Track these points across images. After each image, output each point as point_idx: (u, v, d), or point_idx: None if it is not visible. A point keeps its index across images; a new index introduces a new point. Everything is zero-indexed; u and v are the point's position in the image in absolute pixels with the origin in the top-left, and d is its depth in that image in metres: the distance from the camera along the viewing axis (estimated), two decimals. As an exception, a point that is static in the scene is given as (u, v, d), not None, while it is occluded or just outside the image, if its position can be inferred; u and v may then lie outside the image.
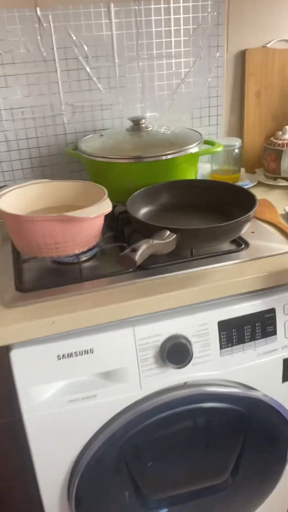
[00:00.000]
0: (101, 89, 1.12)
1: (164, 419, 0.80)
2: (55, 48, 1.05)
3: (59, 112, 1.11)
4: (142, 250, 0.63)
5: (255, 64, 1.19)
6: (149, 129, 1.03)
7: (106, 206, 0.75)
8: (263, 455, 0.91)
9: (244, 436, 0.87)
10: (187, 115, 1.21)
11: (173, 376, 0.80)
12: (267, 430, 0.89)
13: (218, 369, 0.82)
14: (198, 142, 0.97)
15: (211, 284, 0.77)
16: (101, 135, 1.04)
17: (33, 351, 0.73)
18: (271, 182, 1.19)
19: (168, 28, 1.10)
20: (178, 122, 1.21)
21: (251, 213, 0.79)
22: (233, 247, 0.86)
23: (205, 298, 0.78)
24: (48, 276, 0.81)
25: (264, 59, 1.19)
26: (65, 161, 1.16)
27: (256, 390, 0.86)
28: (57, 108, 1.11)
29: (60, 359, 0.74)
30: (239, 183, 1.18)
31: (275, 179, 1.19)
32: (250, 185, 1.17)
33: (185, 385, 0.81)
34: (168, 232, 0.72)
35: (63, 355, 0.74)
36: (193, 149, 0.96)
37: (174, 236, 0.72)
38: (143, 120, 1.03)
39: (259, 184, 1.20)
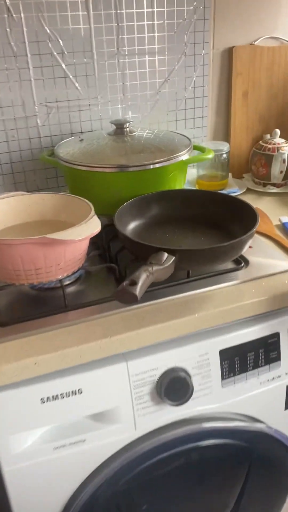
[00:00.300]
0: (78, 88, 1.02)
1: (160, 461, 0.72)
2: (26, 42, 0.94)
3: (32, 113, 1.00)
4: (143, 281, 0.54)
5: (243, 63, 1.11)
6: (133, 133, 0.93)
7: (94, 226, 0.65)
8: (265, 488, 0.85)
9: (246, 470, 0.80)
10: (171, 116, 1.12)
11: (171, 413, 0.72)
12: (270, 462, 0.82)
13: (219, 401, 0.75)
14: (188, 149, 0.89)
15: (212, 311, 0.69)
16: (81, 140, 0.94)
17: (12, 396, 0.63)
18: (260, 189, 1.13)
19: (151, 22, 1.01)
20: (161, 124, 1.12)
21: (254, 230, 0.71)
22: (232, 265, 0.78)
23: (206, 326, 0.70)
24: (28, 306, 0.71)
25: (252, 57, 1.12)
26: (39, 167, 1.05)
27: (259, 421, 0.79)
28: (29, 109, 1.00)
29: (44, 402, 0.65)
30: (227, 190, 1.10)
31: (264, 185, 1.13)
32: (239, 192, 1.10)
33: (183, 422, 0.73)
34: (166, 255, 0.64)
35: (47, 398, 0.65)
36: (183, 156, 0.87)
37: (172, 259, 0.64)
38: (127, 124, 0.93)
39: (248, 190, 1.13)
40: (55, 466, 0.68)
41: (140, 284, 0.53)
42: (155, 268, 0.59)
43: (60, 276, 0.68)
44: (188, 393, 0.70)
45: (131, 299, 0.52)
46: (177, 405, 0.70)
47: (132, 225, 0.83)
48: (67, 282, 0.73)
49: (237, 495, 0.82)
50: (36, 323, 0.66)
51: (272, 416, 0.80)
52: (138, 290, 0.53)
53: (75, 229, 0.64)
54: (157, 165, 0.84)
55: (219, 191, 0.88)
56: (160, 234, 0.81)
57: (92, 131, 1.06)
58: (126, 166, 0.84)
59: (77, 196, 0.77)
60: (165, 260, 0.62)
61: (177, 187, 0.92)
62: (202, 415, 0.74)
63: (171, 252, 0.65)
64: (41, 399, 0.64)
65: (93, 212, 0.70)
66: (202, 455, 0.75)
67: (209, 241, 0.79)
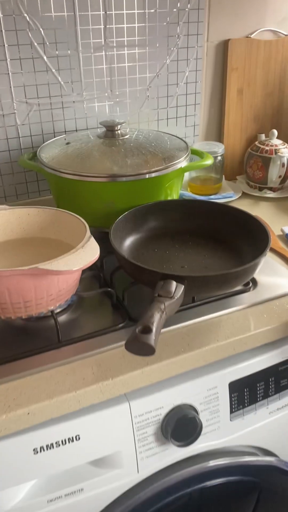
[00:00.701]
0: (62, 83, 0.92)
1: (164, 505, 0.66)
2: (3, 31, 0.83)
3: (10, 111, 0.90)
4: (157, 325, 0.47)
5: (238, 57, 1.03)
6: (125, 136, 0.85)
7: (92, 251, 0.57)
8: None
9: (254, 503, 0.75)
10: (162, 114, 1.04)
11: (176, 453, 0.65)
12: (280, 494, 0.77)
13: (227, 435, 0.69)
14: (186, 155, 0.81)
15: (222, 342, 0.62)
16: (67, 143, 0.84)
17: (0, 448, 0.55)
18: (256, 193, 1.06)
19: (142, 11, 0.92)
20: (151, 123, 1.03)
21: (267, 250, 0.65)
22: (239, 286, 0.71)
23: (216, 359, 0.63)
24: (16, 342, 0.62)
25: (248, 51, 1.04)
26: (18, 171, 0.95)
27: (269, 453, 0.73)
28: (7, 106, 0.89)
29: (37, 453, 0.57)
30: (221, 194, 1.03)
31: (260, 189, 1.06)
32: (234, 197, 1.03)
33: (189, 460, 0.67)
34: (175, 284, 0.56)
35: (40, 448, 0.57)
36: (181, 163, 0.79)
37: (182, 289, 0.56)
38: (119, 127, 0.84)
39: (243, 195, 1.06)
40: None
41: (154, 329, 0.46)
42: (167, 303, 0.51)
43: (51, 307, 0.60)
44: (196, 432, 0.63)
45: (147, 352, 0.45)
46: (184, 445, 0.63)
47: (128, 241, 0.74)
48: (58, 310, 0.65)
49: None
50: (26, 363, 0.58)
51: (282, 446, 0.75)
52: (154, 339, 0.45)
53: (71, 257, 0.55)
54: (153, 174, 0.76)
55: (224, 203, 0.80)
56: (160, 252, 0.73)
57: (76, 130, 0.97)
58: (119, 175, 0.75)
59: (68, 212, 0.68)
60: (175, 291, 0.55)
61: (174, 196, 0.84)
62: (209, 452, 0.68)
63: (179, 279, 0.57)
64: (34, 449, 0.56)
65: (88, 232, 0.62)
66: (209, 494, 0.69)
67: (214, 259, 0.72)
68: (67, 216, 0.68)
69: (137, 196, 0.78)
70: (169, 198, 0.82)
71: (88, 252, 0.57)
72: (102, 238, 0.69)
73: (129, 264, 0.63)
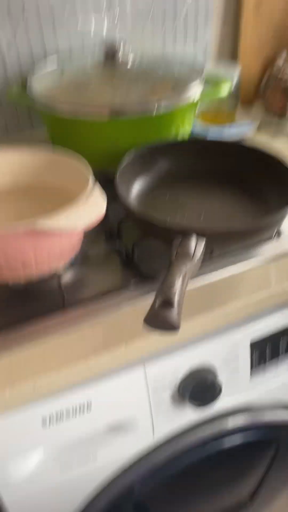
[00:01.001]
0: (52, -6, 0.77)
1: (181, 468, 0.64)
2: None
3: (-7, 31, 0.77)
4: (179, 296, 0.40)
5: None
6: (128, 61, 0.73)
7: (98, 203, 0.49)
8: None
9: (270, 459, 0.74)
10: (168, 30, 0.90)
11: (194, 414, 0.62)
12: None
13: (246, 393, 0.65)
14: (199, 83, 0.69)
15: (245, 300, 0.56)
16: (62, 72, 0.73)
17: (6, 420, 0.51)
18: (275, 123, 0.95)
19: None
20: (156, 40, 0.90)
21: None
22: (261, 236, 0.64)
23: (238, 318, 0.57)
24: (12, 305, 0.55)
25: None
26: (6, 102, 0.84)
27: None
28: (-11, 26, 0.76)
29: (45, 423, 0.53)
30: (237, 124, 0.92)
31: (280, 116, 0.95)
32: (251, 127, 0.92)
33: (207, 421, 0.63)
34: (194, 241, 0.48)
35: (49, 419, 0.53)
36: (195, 94, 0.68)
37: (203, 245, 0.49)
38: (121, 50, 0.72)
39: (261, 125, 0.95)
40: (61, 488, 0.58)
41: (176, 302, 0.39)
42: (188, 265, 0.44)
43: (52, 269, 0.53)
44: (215, 393, 0.59)
45: (170, 329, 0.38)
46: (202, 407, 0.59)
47: (136, 187, 0.66)
48: (60, 270, 0.58)
49: (261, 475, 0.76)
50: (28, 331, 0.52)
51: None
52: (177, 314, 0.38)
53: (73, 211, 0.47)
54: (162, 109, 0.66)
55: (240, 144, 0.69)
56: (173, 198, 0.65)
57: (71, 51, 0.84)
58: (123, 111, 0.65)
59: (67, 154, 0.59)
60: (196, 247, 0.47)
61: (187, 131, 0.74)
62: (228, 410, 0.65)
63: (199, 234, 0.50)
64: (43, 420, 0.52)
65: (92, 179, 0.53)
66: (225, 454, 0.67)
67: (234, 206, 0.63)
68: (67, 160, 0.58)
69: (144, 134, 0.68)
70: (181, 135, 0.72)
71: (93, 204, 0.49)
72: (106, 182, 0.60)
73: (140, 219, 0.55)
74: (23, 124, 0.88)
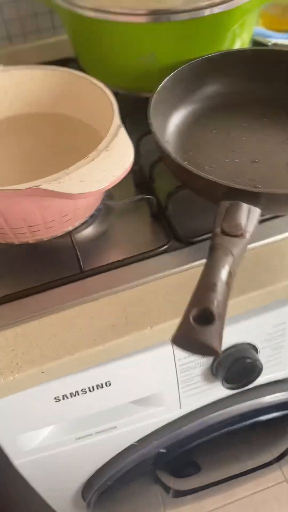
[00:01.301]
0: None
1: (209, 439, 0.58)
2: None
3: None
4: (222, 304, 0.29)
5: None
6: None
7: (124, 158, 0.37)
8: None
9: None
10: None
11: (226, 391, 0.55)
12: None
13: (286, 368, 0.57)
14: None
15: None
16: None
17: (16, 397, 0.45)
18: None
19: None
20: None
21: None
22: None
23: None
24: (22, 271, 0.46)
25: None
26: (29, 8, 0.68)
27: None
28: None
29: (58, 401, 0.47)
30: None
31: None
32: None
33: (241, 397, 0.57)
34: (246, 210, 0.37)
35: (63, 396, 0.47)
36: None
37: (257, 215, 0.37)
38: None
39: None
40: (77, 452, 0.54)
41: (217, 315, 0.28)
42: (235, 250, 0.33)
43: (69, 228, 0.43)
44: (254, 374, 0.51)
45: (206, 352, 0.28)
46: (238, 388, 0.52)
47: (175, 119, 0.52)
48: (77, 226, 0.47)
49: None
50: (37, 301, 0.44)
51: None
52: (218, 333, 0.28)
53: (89, 167, 0.36)
54: (216, 9, 0.50)
55: None
56: (222, 135, 0.51)
57: None
58: (165, 11, 0.49)
59: (88, 77, 0.46)
60: (247, 221, 0.36)
61: (245, 42, 0.58)
62: (265, 387, 0.58)
63: (254, 199, 0.38)
64: (55, 398, 0.47)
65: (117, 119, 0.41)
66: (256, 428, 0.61)
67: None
68: (87, 84, 0.46)
69: (191, 43, 0.53)
70: (238, 46, 0.56)
71: (117, 156, 0.37)
72: (137, 110, 0.48)
73: (178, 167, 0.43)
74: (42, 26, 0.72)
